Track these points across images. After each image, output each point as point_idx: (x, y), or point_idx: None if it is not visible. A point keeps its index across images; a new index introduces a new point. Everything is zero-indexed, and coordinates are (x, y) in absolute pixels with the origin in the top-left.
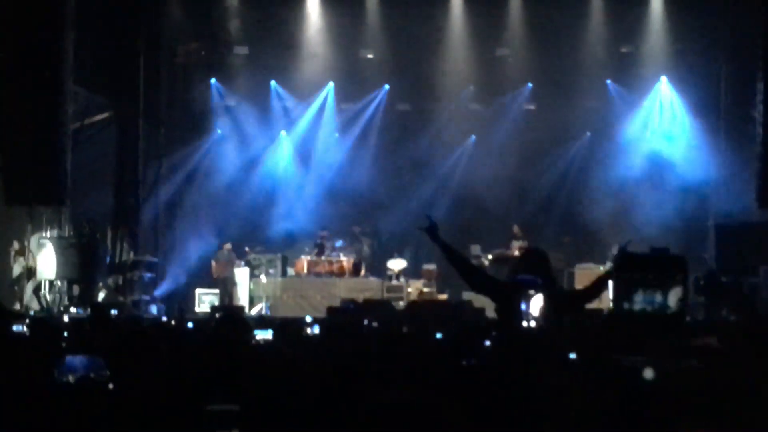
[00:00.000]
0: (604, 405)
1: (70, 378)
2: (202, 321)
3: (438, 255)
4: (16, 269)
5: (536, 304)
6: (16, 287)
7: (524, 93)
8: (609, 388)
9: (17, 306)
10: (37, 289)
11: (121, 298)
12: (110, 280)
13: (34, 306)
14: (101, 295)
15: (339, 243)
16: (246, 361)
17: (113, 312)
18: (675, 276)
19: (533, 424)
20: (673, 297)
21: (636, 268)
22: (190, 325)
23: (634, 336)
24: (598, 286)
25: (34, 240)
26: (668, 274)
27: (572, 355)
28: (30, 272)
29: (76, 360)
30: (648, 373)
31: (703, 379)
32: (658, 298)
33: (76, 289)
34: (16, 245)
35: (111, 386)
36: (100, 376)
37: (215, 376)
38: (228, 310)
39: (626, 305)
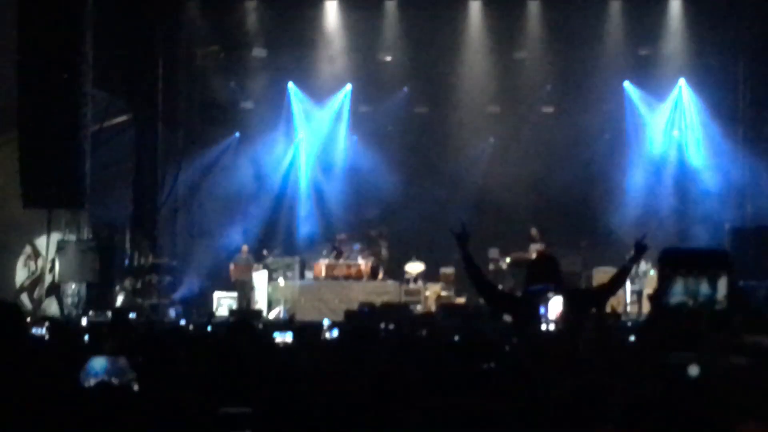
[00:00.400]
0: (650, 403)
1: (92, 381)
2: (220, 324)
3: (455, 260)
4: (24, 273)
5: (555, 307)
6: (25, 291)
7: (543, 96)
8: (655, 386)
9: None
10: (54, 293)
11: (139, 301)
12: (127, 283)
13: (51, 309)
14: (120, 299)
15: (357, 246)
16: (261, 364)
17: (132, 315)
18: (720, 271)
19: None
20: (720, 292)
21: (680, 264)
22: (208, 328)
23: (681, 332)
24: (616, 282)
25: (52, 243)
26: (714, 269)
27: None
28: (41, 276)
29: (99, 362)
30: (693, 370)
31: (755, 377)
32: (704, 290)
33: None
34: (28, 249)
35: (136, 388)
36: (124, 377)
37: (230, 379)
38: (244, 314)
39: (671, 301)
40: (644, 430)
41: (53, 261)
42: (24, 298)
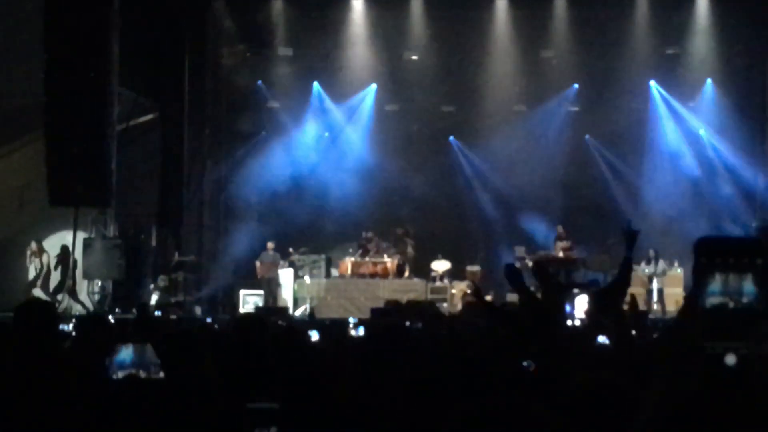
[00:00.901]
0: (688, 395)
1: (119, 371)
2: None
3: (482, 257)
4: (31, 270)
5: (581, 304)
6: (34, 289)
7: (569, 94)
8: (692, 376)
9: None
10: (72, 293)
11: (171, 299)
12: (161, 281)
13: (75, 309)
14: (154, 297)
15: (383, 244)
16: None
17: (157, 313)
18: (756, 260)
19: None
20: (757, 283)
21: (715, 253)
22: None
23: (719, 326)
24: (624, 275)
25: (56, 243)
26: (750, 259)
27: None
28: (48, 273)
29: (126, 351)
30: (730, 359)
31: None
32: (748, 288)
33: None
34: (33, 246)
35: (161, 375)
36: (151, 366)
37: (256, 375)
38: (269, 310)
39: (709, 301)
40: (681, 424)
41: (50, 258)
42: (38, 292)
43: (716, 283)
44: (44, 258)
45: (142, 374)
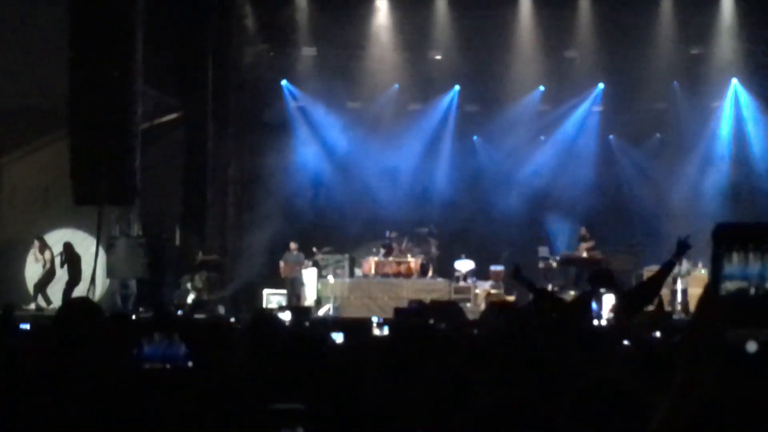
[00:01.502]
0: (709, 385)
1: (147, 365)
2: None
3: (505, 258)
4: (36, 268)
5: (608, 303)
6: (38, 284)
7: (594, 94)
8: (712, 366)
9: (42, 304)
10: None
11: (206, 298)
12: (197, 280)
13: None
14: (191, 297)
15: (406, 244)
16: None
17: (179, 312)
18: None
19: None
20: None
21: (734, 239)
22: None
23: (739, 312)
24: (659, 278)
25: (60, 240)
26: None
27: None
28: (51, 270)
29: (155, 344)
30: (752, 347)
31: None
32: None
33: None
34: (37, 243)
35: (190, 364)
36: (180, 359)
37: (283, 376)
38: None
39: (726, 287)
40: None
41: (53, 255)
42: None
43: (735, 268)
44: (47, 254)
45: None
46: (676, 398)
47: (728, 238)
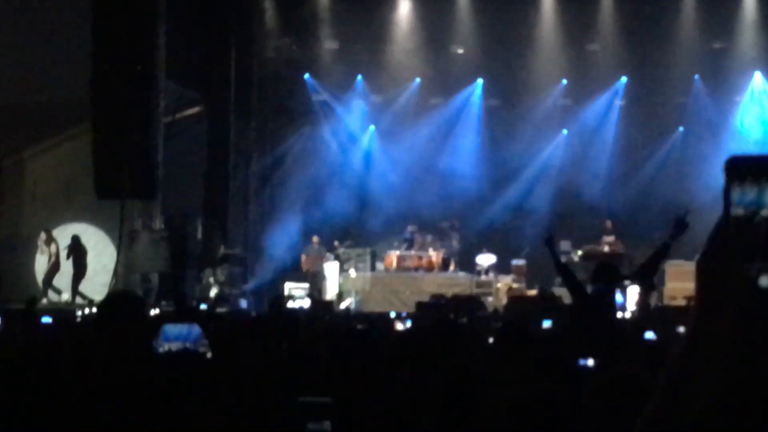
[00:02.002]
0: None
1: (168, 347)
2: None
3: (527, 252)
4: (42, 261)
5: (632, 295)
6: (45, 279)
7: (616, 88)
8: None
9: (53, 297)
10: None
11: (227, 292)
12: (219, 274)
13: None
14: (213, 290)
15: (428, 238)
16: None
17: (202, 306)
18: None
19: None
20: None
21: (750, 171)
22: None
23: (750, 245)
24: (656, 258)
25: (67, 235)
26: None
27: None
28: (57, 262)
29: (174, 328)
30: (764, 281)
31: None
32: None
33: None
34: (43, 236)
35: (209, 355)
36: (199, 344)
37: (308, 369)
38: (317, 303)
39: (735, 212)
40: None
41: (59, 248)
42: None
43: (748, 197)
44: (52, 248)
45: (189, 347)
46: (691, 339)
47: (740, 170)
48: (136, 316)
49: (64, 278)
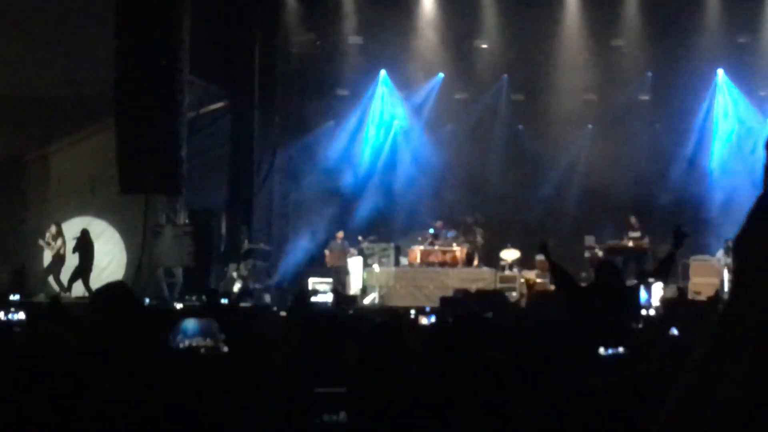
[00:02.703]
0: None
1: (185, 342)
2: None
3: (550, 247)
4: (48, 254)
5: (657, 292)
6: (52, 273)
7: (641, 83)
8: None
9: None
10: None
11: (251, 287)
12: (242, 269)
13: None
14: (237, 285)
15: (452, 233)
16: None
17: (223, 300)
18: None
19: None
20: None
21: None
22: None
23: None
24: (662, 269)
25: (74, 229)
26: None
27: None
28: (63, 256)
29: (191, 323)
30: None
31: None
32: None
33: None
34: (53, 229)
35: (225, 349)
36: (215, 339)
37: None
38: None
39: None
40: None
41: (65, 242)
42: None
43: None
44: (59, 241)
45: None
46: (729, 308)
47: None
48: (126, 306)
49: (68, 273)
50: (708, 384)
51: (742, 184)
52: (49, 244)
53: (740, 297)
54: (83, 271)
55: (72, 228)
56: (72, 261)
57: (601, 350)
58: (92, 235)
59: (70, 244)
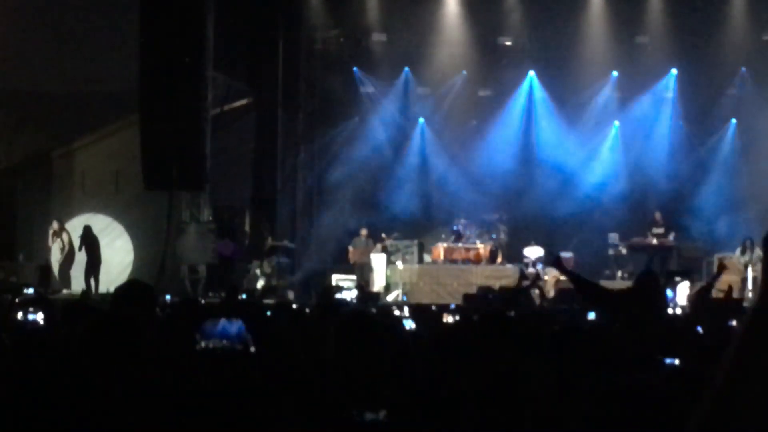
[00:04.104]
0: None
1: (211, 344)
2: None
3: (574, 245)
4: (55, 250)
5: (683, 291)
6: (62, 268)
7: (665, 80)
8: None
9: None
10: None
11: (274, 283)
12: (265, 266)
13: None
14: (260, 282)
15: (476, 230)
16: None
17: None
18: None
19: None
20: None
21: None
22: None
23: None
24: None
25: (78, 225)
26: None
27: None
28: (70, 252)
29: (217, 324)
30: None
31: None
32: None
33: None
34: (55, 225)
35: (252, 350)
36: (242, 340)
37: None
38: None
39: None
40: None
41: (71, 237)
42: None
43: None
44: (65, 237)
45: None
46: (759, 304)
47: None
48: (146, 303)
49: (78, 268)
50: (739, 382)
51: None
52: (54, 238)
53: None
54: (94, 266)
55: (74, 226)
56: (80, 257)
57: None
58: (95, 231)
59: (76, 241)
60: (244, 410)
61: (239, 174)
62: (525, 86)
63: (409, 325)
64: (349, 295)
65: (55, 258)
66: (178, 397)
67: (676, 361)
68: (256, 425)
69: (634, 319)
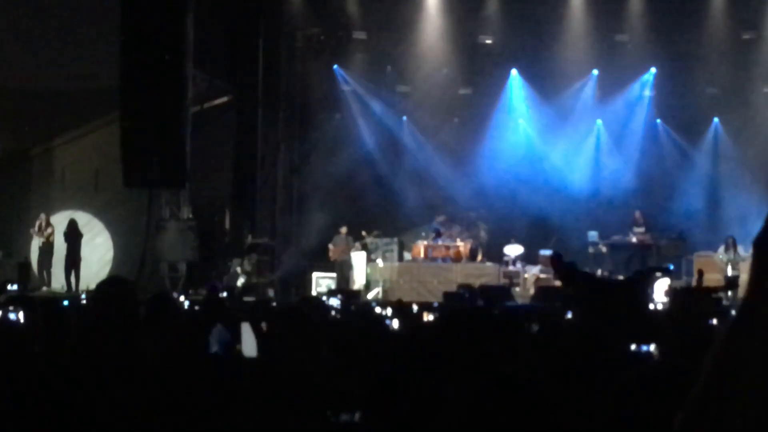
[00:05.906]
0: None
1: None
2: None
3: (554, 243)
4: (36, 244)
5: (661, 287)
6: (41, 265)
7: (645, 79)
8: None
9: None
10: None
11: (254, 281)
12: (246, 263)
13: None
14: (240, 280)
15: (456, 228)
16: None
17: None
18: None
19: None
20: None
21: None
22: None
23: None
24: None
25: (65, 221)
26: None
27: None
28: (50, 248)
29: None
30: None
31: None
32: None
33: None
34: (42, 218)
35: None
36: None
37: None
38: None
39: None
40: None
41: (54, 233)
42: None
43: None
44: (48, 231)
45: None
46: (745, 305)
47: None
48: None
49: (57, 266)
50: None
51: (746, 181)
52: (39, 231)
53: (759, 295)
54: (74, 263)
55: (55, 223)
56: (59, 255)
57: (633, 347)
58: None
59: (59, 236)
60: (219, 412)
61: (220, 172)
62: (506, 84)
63: (394, 325)
64: (334, 301)
65: (35, 253)
66: (158, 400)
67: (651, 347)
68: (232, 427)
69: (617, 307)
